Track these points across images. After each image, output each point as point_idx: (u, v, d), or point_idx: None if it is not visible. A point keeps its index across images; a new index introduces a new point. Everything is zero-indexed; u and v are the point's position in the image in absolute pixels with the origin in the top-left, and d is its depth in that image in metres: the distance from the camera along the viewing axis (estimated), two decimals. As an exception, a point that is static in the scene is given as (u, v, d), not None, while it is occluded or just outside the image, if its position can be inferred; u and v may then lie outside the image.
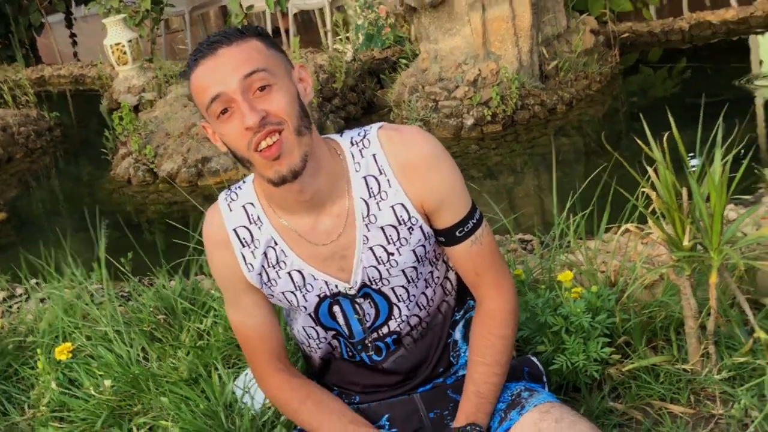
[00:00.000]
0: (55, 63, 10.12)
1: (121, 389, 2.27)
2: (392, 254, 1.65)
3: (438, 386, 1.79)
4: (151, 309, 2.50)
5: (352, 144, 1.64)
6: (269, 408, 2.04)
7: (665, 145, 1.98)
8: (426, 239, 1.67)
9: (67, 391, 2.33)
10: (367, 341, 1.73)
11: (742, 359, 2.03)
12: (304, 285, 1.66)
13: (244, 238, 1.66)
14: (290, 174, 1.50)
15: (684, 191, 1.94)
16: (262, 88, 1.48)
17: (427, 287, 1.74)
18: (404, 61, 5.71)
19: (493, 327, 1.70)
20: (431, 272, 1.74)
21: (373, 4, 6.97)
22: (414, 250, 1.66)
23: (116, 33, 7.45)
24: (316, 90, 5.48)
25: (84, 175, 6.17)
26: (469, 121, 4.89)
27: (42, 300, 2.94)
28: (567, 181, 4.24)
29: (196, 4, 9.17)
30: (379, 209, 1.63)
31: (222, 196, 1.71)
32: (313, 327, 1.74)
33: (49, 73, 9.70)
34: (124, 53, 7.57)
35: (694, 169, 2.01)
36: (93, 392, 2.22)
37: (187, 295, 2.53)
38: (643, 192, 2.05)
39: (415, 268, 1.69)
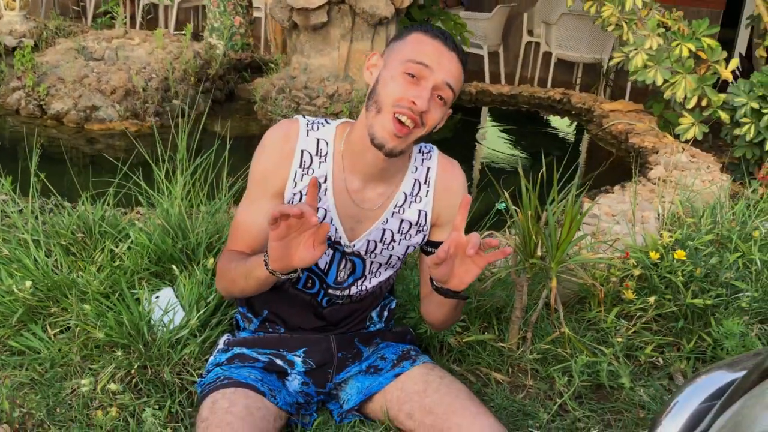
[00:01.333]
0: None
1: (40, 292, 1.99)
2: (395, 241, 1.63)
3: (347, 336, 1.74)
4: (72, 227, 2.20)
5: (420, 152, 1.63)
6: (185, 328, 1.86)
7: (542, 174, 2.03)
8: (419, 243, 1.68)
9: (-18, 286, 2.01)
10: (330, 290, 1.66)
11: (547, 346, 2.13)
12: (322, 221, 1.55)
13: (305, 161, 1.55)
14: (389, 151, 1.46)
15: (544, 214, 2.00)
16: (441, 98, 1.46)
17: (388, 279, 1.74)
18: (272, 65, 5.51)
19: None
20: (398, 271, 1.75)
21: (230, 13, 6.73)
22: (408, 246, 1.66)
23: (10, -19, 6.63)
24: (193, 71, 5.16)
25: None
26: (319, 126, 4.76)
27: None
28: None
29: None
30: (410, 207, 1.62)
31: (303, 119, 1.58)
32: None
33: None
34: (14, 0, 6.76)
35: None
36: (15, 289, 1.93)
37: (107, 220, 2.26)
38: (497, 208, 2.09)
39: (399, 258, 1.68)
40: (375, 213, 1.60)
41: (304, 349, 1.68)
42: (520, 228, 2.03)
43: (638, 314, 2.25)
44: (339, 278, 1.66)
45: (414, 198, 1.62)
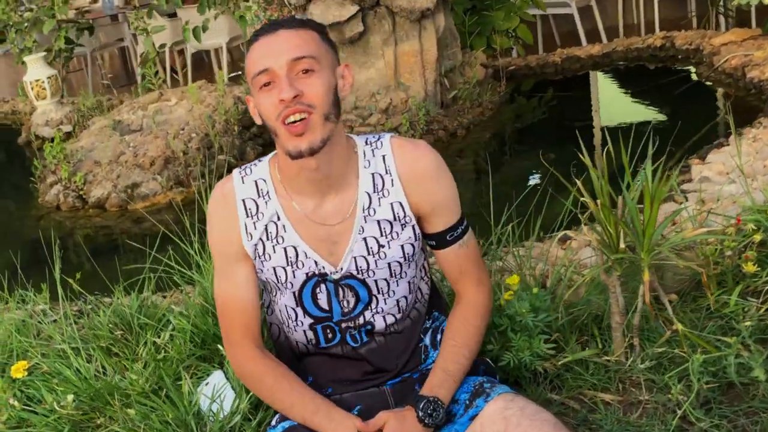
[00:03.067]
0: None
1: (83, 404, 2.12)
2: (383, 246, 1.66)
3: (406, 380, 1.76)
4: (108, 325, 2.34)
5: (366, 143, 1.68)
6: (237, 414, 1.93)
7: (603, 157, 1.99)
8: (415, 239, 1.69)
9: (26, 407, 2.16)
10: (343, 324, 1.71)
11: (660, 349, 2.06)
12: (296, 261, 1.65)
13: (249, 209, 1.66)
14: (308, 150, 1.51)
15: (620, 199, 1.95)
16: (305, 71, 1.51)
17: (409, 292, 1.75)
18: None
19: (470, 315, 1.75)
20: (414, 278, 1.75)
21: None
22: (402, 246, 1.68)
23: (37, 70, 7.17)
24: (236, 119, 5.36)
25: (9, 206, 5.83)
26: (381, 146, 4.83)
27: (-9, 321, 2.73)
28: (472, 196, 4.28)
29: (99, 45, 8.91)
30: (380, 204, 1.65)
31: (236, 170, 1.71)
32: (293, 308, 1.71)
33: (-40, 115, 9.19)
34: (44, 89, 7.26)
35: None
36: (56, 407, 2.06)
37: (144, 311, 2.39)
38: (573, 202, 2.06)
39: (400, 264, 1.69)
40: (345, 226, 1.64)
41: (358, 407, 1.71)
42: (598, 221, 1.99)
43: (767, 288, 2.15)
44: (345, 309, 1.69)
45: (380, 193, 1.65)
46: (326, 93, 1.53)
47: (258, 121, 1.61)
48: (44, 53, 7.34)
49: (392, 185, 1.65)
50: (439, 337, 1.83)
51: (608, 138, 4.55)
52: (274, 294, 1.76)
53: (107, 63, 10.43)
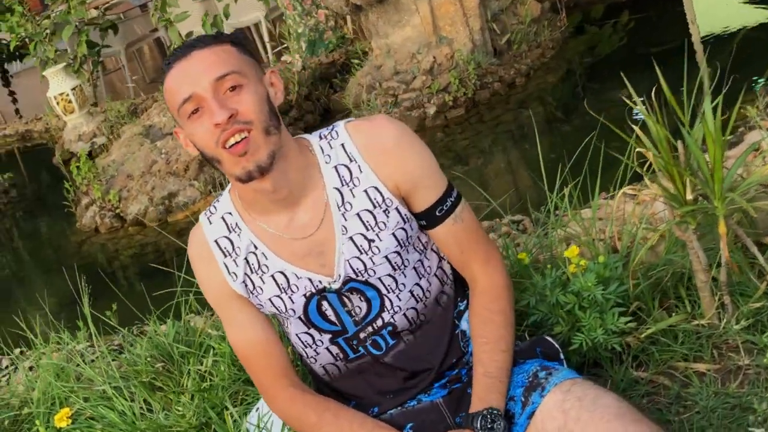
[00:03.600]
0: (-2, 123, 9.94)
1: (130, 448, 2.18)
2: (372, 241, 1.65)
3: (455, 390, 1.74)
4: (147, 359, 2.40)
5: (321, 138, 1.68)
6: (288, 440, 1.96)
7: (654, 100, 1.93)
8: (405, 222, 1.67)
9: (74, 457, 2.24)
10: (361, 335, 1.71)
11: (757, 304, 2.00)
12: (289, 286, 1.67)
13: (225, 248, 1.69)
14: (256, 170, 1.52)
15: (679, 144, 1.89)
16: (233, 88, 1.51)
17: (420, 278, 1.73)
18: (356, 61, 5.64)
19: (488, 302, 1.71)
20: (420, 261, 1.73)
21: (311, 11, 6.90)
22: (394, 234, 1.66)
23: (59, 83, 7.30)
24: (271, 105, 5.39)
25: (49, 231, 6.04)
26: (432, 110, 4.85)
27: (30, 368, 2.84)
28: (541, 153, 4.21)
29: (130, 41, 9.02)
30: (353, 195, 1.65)
31: (202, 214, 1.75)
32: (306, 332, 1.73)
33: (-7, 135, 9.52)
34: (70, 102, 7.40)
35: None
36: (102, 457, 2.13)
37: (182, 338, 2.45)
38: (633, 152, 2.01)
39: (398, 253, 1.68)
40: (325, 231, 1.64)
41: (409, 425, 1.71)
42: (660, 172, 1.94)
43: None
44: (357, 318, 1.69)
45: (350, 184, 1.64)
46: (260, 105, 1.53)
47: (193, 152, 1.62)
48: (63, 64, 7.49)
49: (360, 172, 1.65)
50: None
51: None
52: (284, 325, 1.79)
53: (147, 57, 10.64)
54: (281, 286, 1.67)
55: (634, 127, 2.02)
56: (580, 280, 1.94)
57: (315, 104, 5.86)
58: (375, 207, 1.65)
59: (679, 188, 1.92)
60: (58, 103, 7.37)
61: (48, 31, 7.77)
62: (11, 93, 10.00)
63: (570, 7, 6.17)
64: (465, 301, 1.81)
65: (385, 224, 1.65)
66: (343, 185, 1.64)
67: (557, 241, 2.34)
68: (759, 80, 2.91)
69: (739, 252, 2.09)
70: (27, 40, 7.88)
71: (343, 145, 1.66)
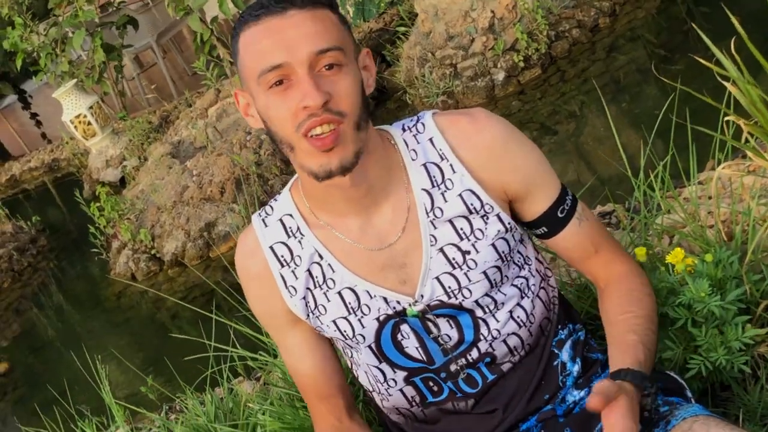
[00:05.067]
0: (22, 153, 10.15)
1: None
2: (468, 252, 1.60)
3: (547, 420, 1.69)
4: (185, 446, 2.39)
5: (404, 130, 1.64)
6: None
7: (735, 54, 1.82)
8: (507, 230, 1.63)
9: None
10: (452, 367, 1.65)
11: None
12: (359, 306, 1.62)
13: (282, 256, 1.64)
14: (339, 169, 1.48)
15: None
16: (330, 67, 1.46)
17: (523, 297, 1.68)
18: (402, 29, 5.58)
19: (637, 285, 1.68)
20: (523, 279, 1.69)
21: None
22: (494, 245, 1.62)
23: (72, 104, 7.40)
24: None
25: (84, 283, 6.15)
26: (500, 76, 4.78)
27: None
28: (640, 114, 4.07)
29: (161, 30, 9.06)
30: (445, 200, 1.60)
31: (255, 215, 1.70)
32: (377, 366, 1.68)
33: (18, 169, 9.79)
34: (89, 124, 7.51)
35: None
36: None
37: (225, 414, 2.43)
38: (728, 121, 1.91)
39: (498, 268, 1.63)
40: (410, 239, 1.60)
41: None
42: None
43: None
44: (447, 346, 1.64)
45: (441, 186, 1.60)
46: (357, 95, 1.48)
47: (253, 125, 1.57)
48: (74, 81, 7.58)
49: (453, 172, 1.60)
50: (578, 351, 1.75)
51: None
52: (350, 355, 1.74)
53: (187, 45, 10.66)
54: (350, 306, 1.62)
55: (727, 84, 1.91)
56: (690, 289, 1.84)
57: (369, 88, 5.80)
58: (471, 213, 1.61)
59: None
60: (76, 128, 7.47)
61: (56, 39, 7.86)
62: (33, 115, 10.16)
63: None
64: (567, 329, 1.78)
65: (482, 232, 1.61)
66: (433, 186, 1.60)
67: (656, 236, 2.24)
68: None
69: None
70: (35, 55, 8.01)
71: (431, 140, 1.62)
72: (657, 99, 4.15)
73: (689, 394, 1.72)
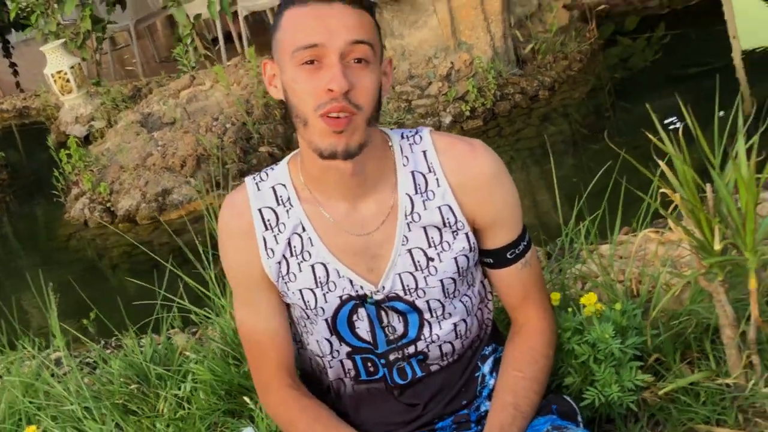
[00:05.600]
0: (-4, 96, 9.86)
1: (97, 475, 2.11)
2: (432, 260, 1.60)
3: (461, 423, 1.70)
4: (121, 378, 2.32)
5: (402, 137, 1.63)
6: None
7: (681, 136, 1.85)
8: (471, 250, 1.63)
9: (37, 482, 2.16)
10: (391, 356, 1.65)
11: (790, 366, 1.91)
12: (327, 282, 1.59)
13: (268, 220, 1.61)
14: (343, 153, 1.46)
15: (708, 188, 1.81)
16: (358, 61, 1.45)
17: (468, 314, 1.69)
18: (369, 61, 5.56)
19: (539, 345, 1.70)
20: (469, 297, 1.70)
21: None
22: (456, 259, 1.62)
23: (57, 60, 7.23)
24: (277, 101, 5.33)
25: (37, 220, 5.97)
26: (447, 119, 4.80)
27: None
28: (562, 177, 4.12)
29: (141, 17, 8.90)
30: (425, 208, 1.59)
31: (249, 177, 1.67)
32: (328, 339, 1.66)
33: (-12, 107, 9.48)
34: (68, 81, 7.34)
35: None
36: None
37: (160, 357, 2.37)
38: (659, 189, 1.94)
39: (454, 280, 1.63)
40: (385, 234, 1.58)
41: None
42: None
43: None
44: (391, 337, 1.63)
45: (424, 195, 1.59)
46: (375, 92, 1.48)
47: (275, 95, 1.55)
48: (63, 40, 7.42)
49: (438, 185, 1.59)
50: (497, 367, 1.76)
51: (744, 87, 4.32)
52: (303, 324, 1.70)
53: (159, 34, 10.56)
54: (319, 280, 1.59)
55: (660, 162, 1.94)
56: (596, 330, 1.86)
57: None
58: (444, 226, 1.60)
59: (707, 236, 1.83)
60: (55, 82, 7.31)
61: (51, 1, 7.70)
62: (12, 65, 9.88)
63: (601, 18, 6.08)
64: (491, 346, 1.79)
65: (449, 245, 1.60)
66: (416, 193, 1.59)
67: (572, 280, 2.26)
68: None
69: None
70: (28, 9, 7.82)
71: (425, 152, 1.60)
72: (579, 167, 4.22)
73: (580, 418, 1.75)
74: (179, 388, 2.26)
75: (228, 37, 8.39)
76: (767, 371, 1.93)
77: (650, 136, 1.89)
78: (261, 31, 8.63)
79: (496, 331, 1.83)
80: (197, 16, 7.92)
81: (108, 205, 4.90)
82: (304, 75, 1.44)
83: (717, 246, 1.81)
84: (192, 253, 2.70)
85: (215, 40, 8.42)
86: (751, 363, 1.95)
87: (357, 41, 1.43)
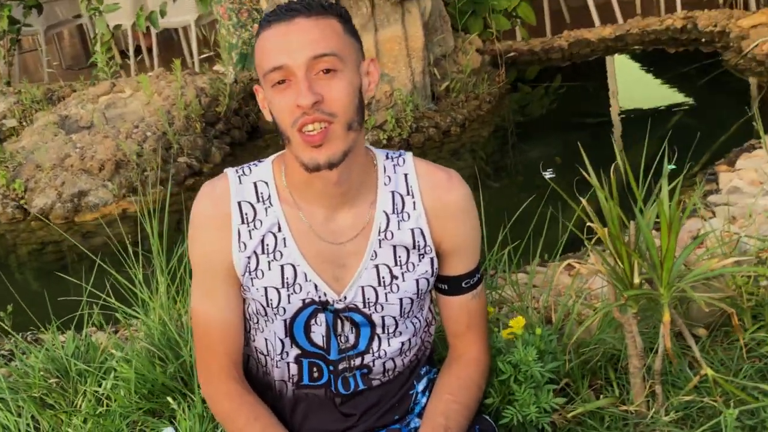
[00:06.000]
0: None
1: (11, 468, 2.01)
2: (396, 278, 1.61)
3: None
4: (40, 372, 2.24)
5: (387, 158, 1.64)
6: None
7: (612, 175, 1.90)
8: (431, 275, 1.65)
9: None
10: (340, 365, 1.65)
11: (688, 398, 1.97)
12: (294, 283, 1.58)
13: (246, 214, 1.58)
14: (326, 164, 1.46)
15: (632, 225, 1.86)
16: (326, 71, 1.44)
17: (414, 335, 1.70)
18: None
19: (475, 374, 1.73)
20: (418, 320, 1.71)
21: (246, 24, 6.80)
22: (417, 280, 1.63)
23: (-30, 57, 7.00)
24: (198, 114, 5.25)
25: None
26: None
27: None
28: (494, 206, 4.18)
29: (51, 23, 8.73)
30: (398, 228, 1.61)
31: (231, 169, 1.63)
32: (281, 339, 1.63)
33: None
34: (-20, 78, 7.12)
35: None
36: (-22, 475, 1.96)
37: (81, 354, 2.29)
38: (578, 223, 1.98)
39: (411, 300, 1.64)
40: (356, 246, 1.59)
41: None
42: (607, 249, 1.90)
43: (810, 326, 2.06)
44: (343, 346, 1.63)
45: (400, 215, 1.61)
46: (350, 98, 1.47)
47: (268, 118, 1.55)
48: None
49: (414, 208, 1.61)
50: (429, 387, 1.77)
51: (617, 144, 4.47)
52: (256, 321, 1.67)
53: (66, 42, 10.31)
54: (286, 281, 1.57)
55: (581, 199, 1.99)
56: (519, 352, 1.88)
57: (243, 120, 5.73)
58: (413, 248, 1.61)
59: (626, 271, 1.88)
60: (-33, 78, 7.07)
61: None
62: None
63: (509, 64, 6.22)
64: (426, 367, 1.80)
65: (414, 266, 1.62)
66: (393, 212, 1.61)
67: (489, 304, 2.28)
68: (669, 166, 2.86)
69: (673, 341, 2.07)
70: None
71: (406, 175, 1.62)
72: (489, 198, 4.28)
73: (497, 438, 1.78)
74: (100, 385, 2.19)
75: (137, 50, 8.32)
76: (667, 401, 1.99)
77: (583, 171, 1.94)
78: (169, 46, 8.52)
79: (431, 356, 1.86)
80: (117, 27, 7.79)
81: (22, 202, 4.72)
82: (278, 95, 1.45)
83: (636, 280, 1.86)
84: (107, 255, 2.64)
85: (123, 53, 8.32)
86: (654, 392, 2.00)
87: (318, 55, 1.43)
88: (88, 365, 2.23)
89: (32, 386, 2.23)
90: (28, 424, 2.14)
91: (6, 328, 2.50)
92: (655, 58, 6.09)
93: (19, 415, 2.15)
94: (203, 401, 1.98)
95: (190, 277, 2.29)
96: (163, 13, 7.26)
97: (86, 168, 4.68)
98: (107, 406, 2.13)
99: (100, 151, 4.77)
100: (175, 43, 8.67)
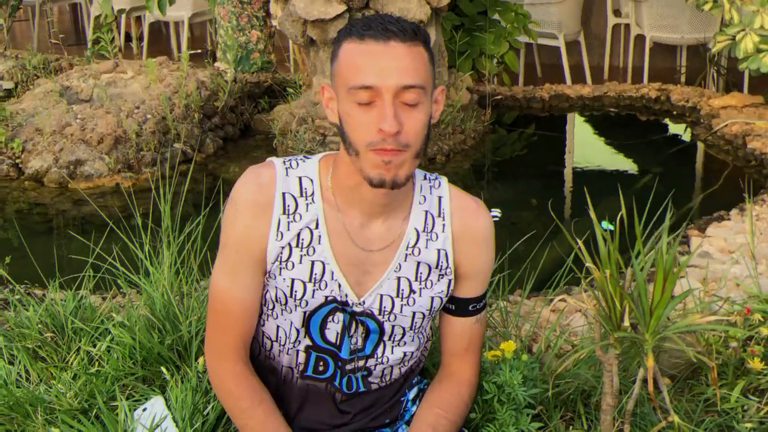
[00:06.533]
0: None
1: (1, 414, 1.96)
2: (414, 292, 1.61)
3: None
4: (37, 324, 2.19)
5: (425, 179, 1.64)
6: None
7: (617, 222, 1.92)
8: (446, 294, 1.65)
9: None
10: (347, 366, 1.65)
11: (653, 440, 1.99)
12: (321, 280, 1.56)
13: (288, 206, 1.56)
14: (391, 183, 1.46)
15: (628, 271, 1.87)
16: (411, 104, 1.44)
17: (417, 348, 1.72)
18: (291, 90, 5.52)
19: (466, 394, 1.74)
20: (423, 335, 1.73)
21: (245, 28, 6.77)
22: (432, 298, 1.64)
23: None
24: (197, 105, 5.21)
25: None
26: (353, 160, 4.74)
27: None
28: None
29: None
30: (426, 246, 1.61)
31: (278, 159, 1.60)
32: (297, 328, 1.61)
33: None
34: (-20, 39, 7.00)
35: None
36: (-33, 414, 1.90)
37: (80, 313, 2.24)
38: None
39: (423, 315, 1.65)
40: (384, 257, 1.59)
41: None
42: (600, 290, 1.91)
43: (772, 388, 2.10)
44: (353, 347, 1.63)
45: (429, 235, 1.62)
46: (424, 130, 1.47)
47: (331, 119, 1.53)
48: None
49: (442, 231, 1.63)
50: (419, 397, 1.78)
51: (587, 197, 4.53)
52: (271, 307, 1.64)
53: (56, 18, 10.16)
54: (314, 276, 1.56)
55: (578, 241, 2.00)
56: (506, 375, 1.88)
57: (238, 118, 5.69)
58: (435, 267, 1.62)
59: (617, 313, 1.90)
60: (-33, 39, 6.95)
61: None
62: None
63: (492, 105, 6.26)
64: (417, 377, 1.82)
65: (432, 284, 1.62)
66: (423, 231, 1.61)
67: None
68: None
69: (642, 385, 2.09)
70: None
71: (440, 198, 1.63)
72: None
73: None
74: (94, 346, 2.15)
75: (127, 37, 8.26)
76: (633, 440, 2.01)
77: (593, 217, 1.95)
78: (157, 39, 8.45)
79: (423, 368, 1.88)
80: (120, 11, 7.72)
81: (18, 161, 4.62)
82: (359, 111, 1.43)
83: (626, 323, 1.87)
84: (97, 225, 2.60)
85: (112, 40, 8.26)
86: (621, 430, 2.01)
87: (409, 86, 1.42)
88: (86, 324, 2.19)
89: (27, 337, 2.18)
90: (19, 373, 2.09)
91: (7, 276, 2.44)
92: (627, 123, 6.18)
93: (11, 363, 2.10)
94: (198, 375, 1.95)
95: (196, 257, 2.27)
96: (172, 1, 7.20)
97: (85, 139, 4.61)
98: (99, 366, 2.08)
99: (101, 124, 4.70)
100: (163, 36, 8.60)
